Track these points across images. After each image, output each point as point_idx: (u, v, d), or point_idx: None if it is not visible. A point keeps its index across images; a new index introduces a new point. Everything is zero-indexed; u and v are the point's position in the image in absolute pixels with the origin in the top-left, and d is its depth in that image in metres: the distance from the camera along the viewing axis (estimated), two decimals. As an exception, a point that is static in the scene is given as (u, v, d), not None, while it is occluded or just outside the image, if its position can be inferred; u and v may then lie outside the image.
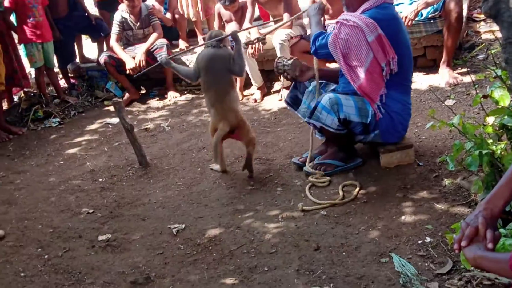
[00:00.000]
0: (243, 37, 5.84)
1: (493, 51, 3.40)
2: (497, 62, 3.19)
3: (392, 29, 3.75)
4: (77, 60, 7.28)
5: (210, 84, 4.16)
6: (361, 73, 3.72)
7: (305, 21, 6.27)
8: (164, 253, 3.38)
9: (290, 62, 4.14)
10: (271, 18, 6.35)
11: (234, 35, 4.28)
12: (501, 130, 3.11)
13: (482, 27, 6.23)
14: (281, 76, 4.27)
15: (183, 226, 3.64)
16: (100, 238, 3.65)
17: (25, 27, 6.20)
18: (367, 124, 3.83)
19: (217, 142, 4.04)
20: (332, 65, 5.25)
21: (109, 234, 3.68)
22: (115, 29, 6.47)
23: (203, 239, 3.45)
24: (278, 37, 5.74)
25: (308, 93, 4.17)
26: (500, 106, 3.01)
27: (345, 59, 3.75)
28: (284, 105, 4.43)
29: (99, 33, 7.03)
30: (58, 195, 4.37)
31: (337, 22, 3.80)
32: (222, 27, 6.35)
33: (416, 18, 5.40)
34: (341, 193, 3.71)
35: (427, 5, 5.34)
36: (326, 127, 3.83)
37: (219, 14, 6.29)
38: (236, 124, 4.12)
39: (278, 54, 5.74)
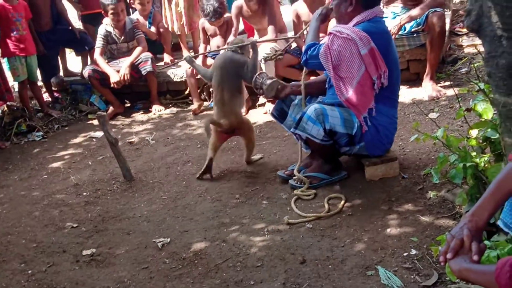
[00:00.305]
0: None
1: (475, 65, 3.44)
2: (480, 76, 3.23)
3: (383, 43, 3.78)
4: (61, 73, 7.25)
5: (219, 83, 4.42)
6: (352, 85, 3.74)
7: (289, 34, 6.32)
8: (149, 267, 3.36)
9: (268, 82, 4.11)
10: (255, 32, 6.39)
11: (253, 45, 4.45)
12: (485, 143, 3.14)
13: (465, 41, 6.31)
14: (256, 91, 4.27)
15: (168, 240, 3.62)
16: (85, 252, 3.61)
17: (8, 41, 6.17)
18: (352, 136, 3.84)
19: (208, 124, 4.45)
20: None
21: (93, 248, 3.65)
22: (99, 42, 6.46)
23: (189, 253, 3.43)
24: (262, 51, 5.76)
25: (294, 106, 4.18)
26: (483, 119, 3.04)
27: (336, 70, 3.76)
28: (269, 118, 4.45)
29: (83, 46, 7.01)
30: (41, 209, 4.33)
31: (330, 33, 3.81)
32: (207, 41, 6.37)
33: (400, 32, 5.46)
34: (326, 206, 3.72)
35: (410, 19, 5.40)
36: (311, 138, 3.84)
37: (203, 29, 6.30)
38: (235, 125, 4.45)
39: (263, 68, 5.76)
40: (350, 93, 3.75)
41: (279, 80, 4.23)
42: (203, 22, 6.30)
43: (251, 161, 4.61)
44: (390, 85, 3.85)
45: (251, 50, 4.47)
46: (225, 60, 4.44)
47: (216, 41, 6.28)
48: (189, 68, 6.22)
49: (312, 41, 3.98)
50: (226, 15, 6.16)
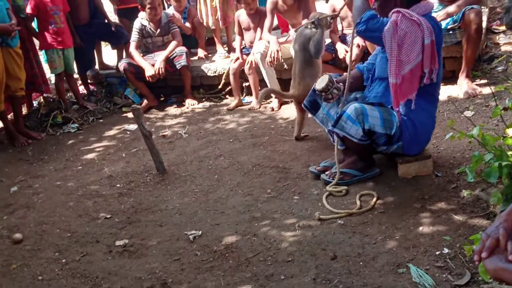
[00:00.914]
0: (262, 45, 5.87)
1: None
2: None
3: (439, 40, 3.76)
4: (97, 67, 7.34)
5: (295, 57, 4.92)
6: (404, 70, 3.67)
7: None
8: (181, 259, 3.39)
9: (340, 87, 4.01)
10: (290, 27, 6.38)
11: (318, 21, 4.69)
12: (522, 142, 3.10)
13: (502, 38, 6.20)
14: (323, 93, 4.05)
15: (200, 232, 3.64)
16: (117, 243, 3.66)
17: (46, 34, 6.26)
18: (391, 136, 3.81)
19: (264, 93, 5.18)
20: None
21: (126, 239, 3.70)
22: (134, 36, 6.52)
23: (220, 246, 3.46)
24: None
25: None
26: (520, 118, 3.00)
27: (396, 50, 3.67)
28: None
29: (119, 40, 7.08)
30: (76, 200, 4.40)
31: (398, 11, 3.68)
32: (241, 33, 6.39)
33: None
34: (358, 202, 3.70)
35: (447, 16, 5.34)
36: (349, 137, 3.82)
37: (238, 21, 6.32)
38: (302, 97, 4.53)
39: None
40: (399, 78, 3.68)
41: (340, 85, 4.09)
42: (238, 15, 6.33)
43: (299, 137, 4.95)
44: (435, 83, 3.81)
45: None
46: (299, 35, 4.83)
47: (250, 35, 6.29)
48: (236, 59, 6.25)
49: (369, 10, 3.85)
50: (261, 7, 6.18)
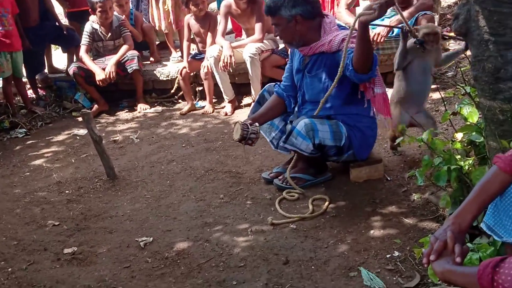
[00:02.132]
0: (215, 50, 5.85)
1: (462, 69, 3.47)
2: (466, 80, 3.24)
3: None
4: (46, 70, 7.19)
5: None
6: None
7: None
8: (131, 266, 3.32)
9: (256, 129, 3.84)
10: (243, 32, 6.38)
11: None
12: (469, 146, 3.15)
13: (452, 44, 6.33)
14: (242, 141, 3.86)
15: (151, 239, 3.59)
16: (66, 251, 3.57)
17: (-7, 36, 6.10)
18: (341, 147, 3.84)
19: None
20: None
21: (75, 247, 3.61)
22: (85, 40, 6.41)
23: (171, 252, 3.41)
24: (248, 50, 5.75)
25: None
26: (468, 123, 3.05)
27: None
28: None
29: (70, 43, 6.95)
30: (23, 207, 4.28)
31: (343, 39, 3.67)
32: (190, 39, 6.34)
33: (388, 35, 5.46)
34: (310, 207, 3.71)
35: (399, 22, 5.40)
36: (300, 151, 3.84)
37: (188, 25, 6.26)
38: None
39: (249, 68, 5.75)
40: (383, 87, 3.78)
41: (256, 123, 3.93)
42: (188, 19, 6.26)
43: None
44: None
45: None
46: None
47: (201, 42, 6.25)
48: (182, 69, 6.19)
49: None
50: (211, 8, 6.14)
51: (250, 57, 5.72)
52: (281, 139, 3.97)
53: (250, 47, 5.79)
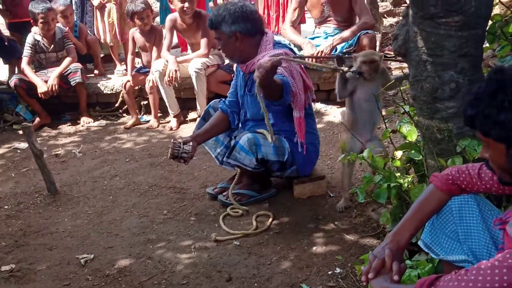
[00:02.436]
0: (160, 64, 5.82)
1: (402, 88, 3.54)
2: (406, 99, 3.31)
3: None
4: (-15, 82, 7.00)
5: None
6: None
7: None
8: (71, 284, 3.26)
9: (188, 148, 3.81)
10: (188, 46, 6.37)
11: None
12: (409, 164, 3.22)
13: (393, 64, 6.47)
14: (175, 160, 3.87)
15: (92, 256, 3.52)
16: (3, 268, 3.47)
17: None
18: (284, 162, 3.87)
19: None
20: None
21: (13, 264, 3.51)
22: (26, 51, 6.28)
23: (112, 270, 3.36)
24: (194, 65, 5.75)
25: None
26: (408, 141, 3.12)
27: (297, 86, 3.73)
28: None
29: (11, 55, 6.77)
30: (-42, 222, 4.15)
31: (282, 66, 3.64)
32: (135, 52, 6.28)
33: (331, 53, 5.55)
34: (254, 223, 3.72)
35: (342, 40, 5.52)
36: (243, 166, 3.85)
37: (133, 39, 6.20)
38: None
39: (194, 83, 5.75)
40: (302, 110, 3.78)
41: (190, 143, 3.90)
42: (133, 32, 6.20)
43: None
44: (308, 101, 3.96)
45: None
46: None
47: (146, 55, 6.21)
48: (126, 82, 6.12)
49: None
50: (155, 22, 6.10)
51: (195, 72, 5.71)
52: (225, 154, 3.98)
53: (195, 62, 5.79)
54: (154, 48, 6.08)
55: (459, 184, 2.10)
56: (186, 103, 6.20)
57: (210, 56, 5.93)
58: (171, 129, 5.89)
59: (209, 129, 4.08)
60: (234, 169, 4.09)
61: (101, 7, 6.63)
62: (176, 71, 5.69)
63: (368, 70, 3.66)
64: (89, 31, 6.89)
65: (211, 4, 8.31)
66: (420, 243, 2.27)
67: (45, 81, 6.14)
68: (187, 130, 5.76)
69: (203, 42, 5.83)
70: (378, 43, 6.13)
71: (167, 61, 5.81)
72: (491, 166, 1.86)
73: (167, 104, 5.94)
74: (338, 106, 5.77)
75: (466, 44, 2.58)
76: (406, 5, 8.38)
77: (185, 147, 3.81)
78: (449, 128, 2.67)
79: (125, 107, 6.36)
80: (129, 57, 6.21)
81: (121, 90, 6.28)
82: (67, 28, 6.46)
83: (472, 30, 2.58)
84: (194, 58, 5.88)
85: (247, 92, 3.96)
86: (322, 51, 5.44)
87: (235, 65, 4.45)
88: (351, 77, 3.71)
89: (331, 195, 3.99)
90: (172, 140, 3.87)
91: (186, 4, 5.74)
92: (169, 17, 6.04)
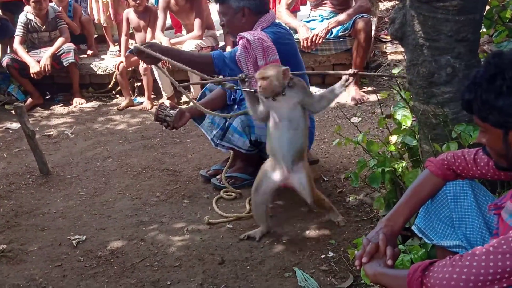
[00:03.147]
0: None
1: (398, 71, 3.52)
2: (401, 83, 3.29)
3: (294, 43, 3.89)
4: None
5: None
6: None
7: (218, 32, 6.29)
8: (63, 265, 3.25)
9: (173, 113, 3.79)
10: (183, 28, 6.32)
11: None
12: (403, 149, 3.21)
13: (389, 47, 6.46)
14: (159, 122, 3.89)
15: (84, 237, 3.51)
16: (-5, 248, 3.46)
17: None
18: None
19: None
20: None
21: (4, 244, 3.49)
22: (19, 31, 6.22)
23: (105, 251, 3.35)
24: (187, 47, 5.70)
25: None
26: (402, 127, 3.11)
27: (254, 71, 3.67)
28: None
29: (4, 34, 6.70)
30: (-51, 202, 4.12)
31: (241, 37, 3.65)
32: (129, 33, 6.23)
33: (326, 36, 5.52)
34: (247, 206, 3.71)
35: (338, 23, 5.48)
36: (237, 148, 3.83)
37: (127, 20, 6.15)
38: None
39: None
40: None
41: (181, 108, 3.95)
42: (127, 12, 6.15)
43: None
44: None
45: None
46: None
47: (140, 35, 6.15)
48: (119, 63, 6.07)
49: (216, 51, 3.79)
50: (150, 3, 6.05)
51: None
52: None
53: (189, 43, 5.74)
54: (149, 29, 6.03)
55: (455, 169, 2.09)
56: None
57: (204, 38, 5.88)
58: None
59: (205, 103, 4.04)
60: (228, 151, 4.08)
61: (95, -13, 6.57)
62: None
63: (263, 87, 3.10)
64: (83, 11, 6.83)
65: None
66: (414, 228, 2.27)
67: (37, 61, 6.10)
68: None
69: (197, 23, 5.79)
70: (373, 27, 6.09)
71: (160, 43, 5.75)
72: (488, 151, 1.85)
73: (160, 85, 5.90)
74: (333, 90, 5.74)
75: (464, 28, 2.56)
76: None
77: (170, 111, 3.80)
78: (444, 113, 2.65)
79: (118, 88, 6.32)
80: (123, 37, 6.16)
81: (114, 71, 6.24)
82: (61, 7, 6.40)
83: (470, 15, 2.55)
84: (187, 39, 5.83)
85: None
86: (317, 34, 5.40)
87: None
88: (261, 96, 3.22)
89: (325, 179, 3.98)
90: (160, 102, 3.84)
91: None
92: (162, -4, 6.01)
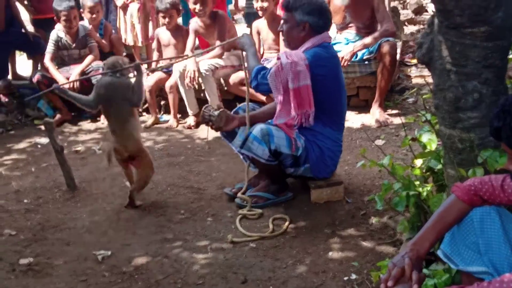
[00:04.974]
0: (181, 64, 5.84)
1: (423, 96, 3.54)
2: (427, 107, 3.30)
3: (333, 67, 3.92)
4: (9, 76, 7.07)
5: (110, 113, 4.20)
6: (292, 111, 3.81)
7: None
8: (88, 280, 3.29)
9: (216, 113, 4.00)
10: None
11: (137, 67, 4.29)
12: (428, 173, 3.21)
13: (413, 71, 6.46)
14: (206, 125, 4.13)
15: (109, 253, 3.55)
16: (22, 261, 3.51)
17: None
18: (297, 157, 3.87)
19: (108, 151, 4.22)
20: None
21: (31, 257, 3.55)
22: (50, 48, 6.34)
23: (129, 267, 3.38)
24: (201, 67, 5.76)
25: (244, 127, 4.17)
26: (427, 150, 3.12)
27: (284, 91, 3.78)
28: (219, 134, 4.42)
29: (36, 50, 6.85)
30: (-21, 215, 4.20)
31: (278, 57, 3.83)
32: (159, 50, 6.34)
33: (352, 59, 5.55)
34: (271, 226, 3.73)
35: (363, 47, 5.52)
36: (257, 158, 3.86)
37: (157, 38, 6.28)
38: (135, 152, 4.17)
39: (202, 84, 5.78)
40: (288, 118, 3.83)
41: (226, 111, 4.11)
42: (158, 32, 6.30)
43: (133, 200, 4.15)
44: (339, 110, 3.99)
45: (135, 72, 4.34)
46: (109, 88, 4.11)
47: (169, 52, 6.25)
48: (151, 80, 6.16)
49: (259, 65, 3.97)
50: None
51: (202, 73, 5.74)
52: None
53: (203, 63, 5.80)
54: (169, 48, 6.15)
55: (482, 195, 2.09)
56: (206, 103, 6.21)
57: (224, 57, 5.95)
58: (190, 127, 5.91)
59: (257, 114, 4.15)
60: (249, 165, 4.12)
61: (124, 7, 6.69)
62: (194, 71, 5.71)
63: None
64: (113, 30, 6.95)
65: (231, 6, 8.37)
66: (439, 252, 2.27)
67: (67, 78, 6.20)
68: (206, 130, 5.77)
69: (217, 43, 5.86)
70: (398, 51, 6.11)
71: (186, 65, 5.83)
72: None
73: (186, 104, 5.97)
74: (357, 112, 5.77)
75: (491, 54, 2.57)
76: (427, 13, 8.39)
77: (214, 112, 3.99)
78: (471, 139, 2.66)
79: (145, 106, 6.40)
80: (155, 55, 6.29)
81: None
82: (91, 26, 6.52)
83: (498, 41, 2.57)
84: (206, 59, 5.91)
85: None
86: (343, 57, 5.44)
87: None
88: None
89: (348, 201, 3.99)
90: (205, 105, 4.10)
91: (198, 6, 5.80)
92: (193, 19, 6.13)
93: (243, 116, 4.11)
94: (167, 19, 6.07)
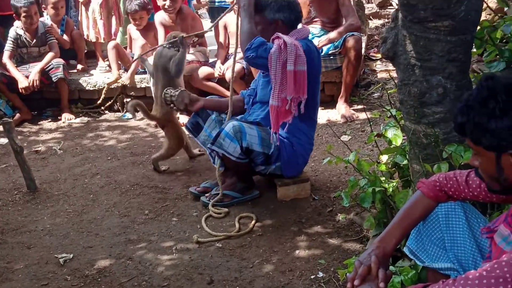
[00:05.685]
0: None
1: (388, 91, 3.53)
2: (392, 102, 3.29)
3: (319, 62, 3.96)
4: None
5: (156, 79, 4.66)
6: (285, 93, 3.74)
7: (210, 47, 6.30)
8: (49, 284, 3.21)
9: (176, 93, 4.06)
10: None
11: (181, 42, 4.49)
12: (394, 169, 3.21)
13: (378, 66, 6.48)
14: (169, 107, 4.20)
15: (71, 256, 3.47)
16: (-20, 267, 3.41)
17: None
18: (269, 155, 3.83)
19: (133, 106, 4.54)
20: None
21: (-11, 262, 3.45)
22: (8, 45, 6.18)
23: (92, 270, 3.30)
24: None
25: (211, 121, 4.11)
26: (393, 145, 3.11)
27: (282, 73, 3.68)
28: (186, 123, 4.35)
29: (-7, 48, 6.68)
30: None
31: (278, 37, 3.69)
32: (131, 46, 6.29)
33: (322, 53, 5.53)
34: (237, 225, 3.68)
35: (328, 41, 5.50)
36: (227, 155, 3.79)
37: (129, 35, 6.30)
38: (164, 120, 4.62)
39: None
40: (280, 101, 3.71)
41: (187, 91, 4.17)
42: (129, 28, 6.29)
43: (155, 167, 4.66)
44: (315, 106, 3.97)
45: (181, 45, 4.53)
46: (158, 57, 4.62)
47: (139, 43, 6.17)
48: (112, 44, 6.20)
49: (259, 37, 3.76)
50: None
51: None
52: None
53: None
54: (138, 45, 6.07)
55: (447, 190, 2.08)
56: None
57: (190, 52, 5.89)
58: (156, 126, 5.81)
59: (222, 101, 4.21)
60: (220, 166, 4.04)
61: (86, 3, 6.56)
62: None
63: None
64: (75, 26, 6.82)
65: (194, 1, 8.32)
66: (405, 249, 2.25)
67: (26, 76, 6.06)
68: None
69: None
70: (363, 45, 6.11)
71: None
72: (480, 174, 1.84)
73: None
74: (323, 108, 5.75)
75: (455, 49, 2.56)
76: (392, 7, 8.43)
77: (174, 92, 4.07)
78: (435, 133, 2.65)
79: (108, 104, 6.29)
80: (128, 51, 6.33)
81: (104, 87, 6.23)
82: (51, 23, 6.38)
83: (461, 35, 2.56)
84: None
85: (261, 74, 4.05)
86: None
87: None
88: None
89: (315, 198, 3.96)
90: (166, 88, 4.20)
91: (168, 3, 5.78)
92: (158, 13, 6.10)
93: (209, 98, 4.26)
94: (137, 21, 6.06)
